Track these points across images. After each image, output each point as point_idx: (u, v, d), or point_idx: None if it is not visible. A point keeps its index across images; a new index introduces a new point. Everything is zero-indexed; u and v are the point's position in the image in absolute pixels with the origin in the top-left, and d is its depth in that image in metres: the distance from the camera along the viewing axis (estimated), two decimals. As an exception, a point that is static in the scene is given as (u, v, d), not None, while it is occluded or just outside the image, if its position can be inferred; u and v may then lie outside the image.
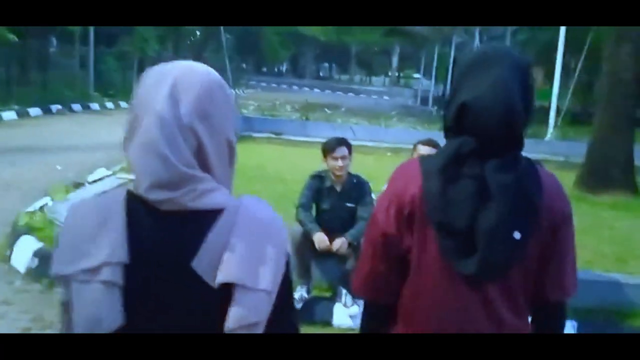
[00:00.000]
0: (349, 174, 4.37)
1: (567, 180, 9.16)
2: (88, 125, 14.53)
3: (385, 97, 38.40)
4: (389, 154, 11.59)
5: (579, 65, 15.30)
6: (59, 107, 17.30)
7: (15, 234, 4.97)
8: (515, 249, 1.21)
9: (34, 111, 16.00)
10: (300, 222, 4.18)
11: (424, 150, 4.21)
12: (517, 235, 1.20)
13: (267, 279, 0.92)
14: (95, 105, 19.39)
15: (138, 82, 0.99)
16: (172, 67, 0.98)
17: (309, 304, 4.19)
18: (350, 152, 4.30)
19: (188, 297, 0.92)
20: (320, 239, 4.07)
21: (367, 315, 1.43)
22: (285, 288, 0.97)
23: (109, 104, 19.97)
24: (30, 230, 4.90)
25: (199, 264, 0.90)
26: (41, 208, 5.54)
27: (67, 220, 0.97)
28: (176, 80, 0.95)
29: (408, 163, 1.38)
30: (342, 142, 4.31)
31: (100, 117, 17.07)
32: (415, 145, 4.33)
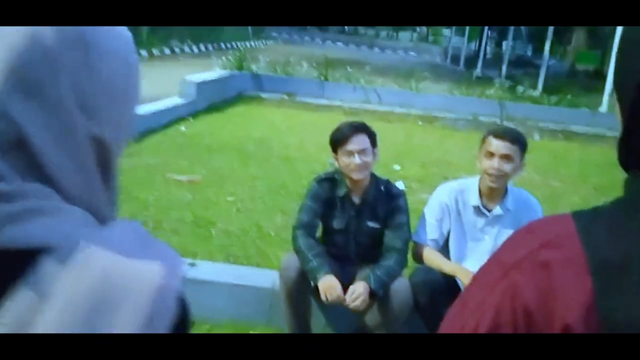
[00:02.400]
0: (375, 177, 2.86)
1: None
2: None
3: (412, 54, 36.39)
4: (420, 123, 9.95)
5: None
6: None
7: None
8: None
9: None
10: (299, 253, 2.71)
11: (502, 147, 2.67)
12: None
13: None
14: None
15: None
16: None
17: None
18: (374, 144, 2.78)
19: None
20: (328, 285, 2.59)
21: None
22: None
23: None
24: None
25: None
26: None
27: None
28: None
29: (544, 228, 0.60)
30: (360, 128, 2.76)
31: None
32: (484, 137, 2.78)
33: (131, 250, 0.57)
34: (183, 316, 0.58)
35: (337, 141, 2.73)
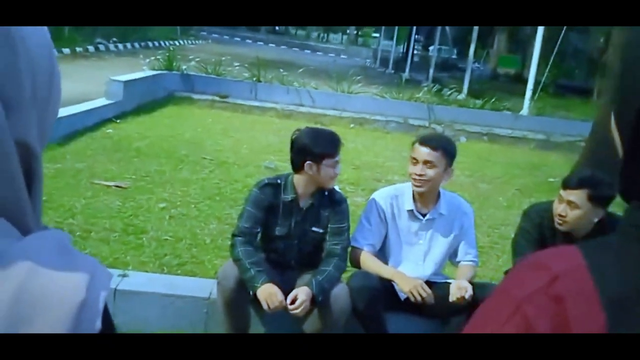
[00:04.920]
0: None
1: (555, 167, 7.96)
2: None
3: (343, 56, 36.78)
4: (352, 125, 10.07)
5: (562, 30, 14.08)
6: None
7: None
8: None
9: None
10: (237, 262, 2.67)
11: (424, 154, 2.76)
12: None
13: None
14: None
15: None
16: None
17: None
18: None
19: None
20: (268, 293, 2.56)
21: None
22: None
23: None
24: None
25: None
26: None
27: None
28: None
29: (552, 261, 0.57)
30: (339, 138, 2.81)
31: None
32: (413, 144, 2.86)
33: (53, 263, 0.54)
34: (107, 332, 0.55)
35: (330, 152, 2.71)
